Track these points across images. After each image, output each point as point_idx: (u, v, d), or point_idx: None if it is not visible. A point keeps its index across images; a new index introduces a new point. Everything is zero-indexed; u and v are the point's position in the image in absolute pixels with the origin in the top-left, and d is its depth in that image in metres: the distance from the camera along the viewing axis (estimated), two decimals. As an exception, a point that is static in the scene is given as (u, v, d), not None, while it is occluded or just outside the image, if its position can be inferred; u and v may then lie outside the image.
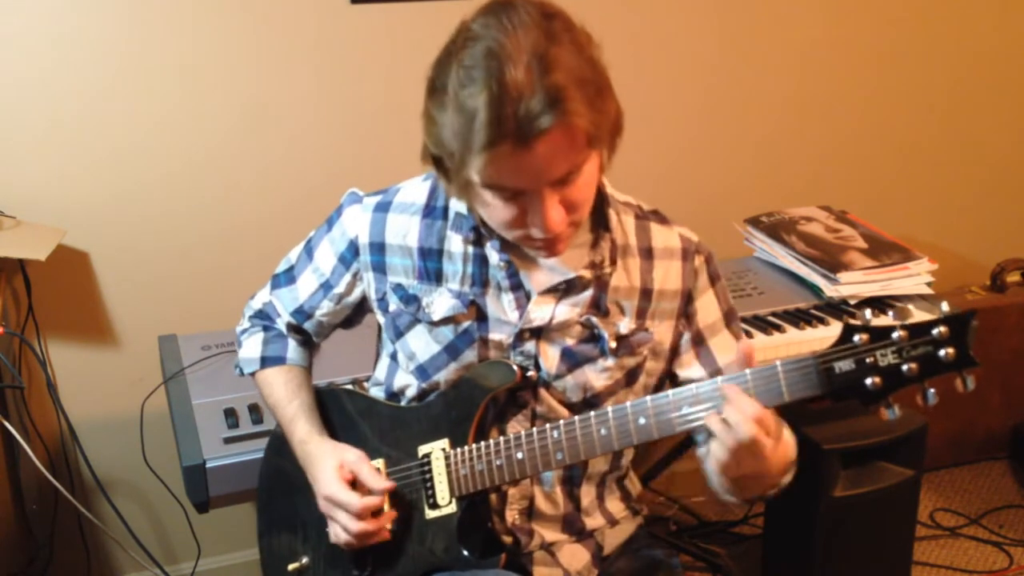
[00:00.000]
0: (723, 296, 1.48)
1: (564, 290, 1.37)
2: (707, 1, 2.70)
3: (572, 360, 1.39)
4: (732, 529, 2.80)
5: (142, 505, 2.50)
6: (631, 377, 1.42)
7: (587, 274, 1.37)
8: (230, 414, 1.87)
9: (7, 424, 1.99)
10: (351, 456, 1.42)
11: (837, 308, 2.30)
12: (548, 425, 1.32)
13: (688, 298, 1.44)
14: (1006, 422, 3.05)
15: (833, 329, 2.21)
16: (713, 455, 1.23)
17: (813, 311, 2.29)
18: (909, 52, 2.95)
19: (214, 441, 1.80)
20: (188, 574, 2.54)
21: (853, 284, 2.31)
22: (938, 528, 2.80)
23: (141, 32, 2.24)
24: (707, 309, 1.45)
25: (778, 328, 2.20)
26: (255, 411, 1.87)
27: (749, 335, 2.17)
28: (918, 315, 1.16)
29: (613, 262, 1.39)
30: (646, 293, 1.41)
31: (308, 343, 1.60)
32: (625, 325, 1.40)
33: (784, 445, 1.32)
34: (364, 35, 2.41)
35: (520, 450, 1.34)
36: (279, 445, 1.58)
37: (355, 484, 1.41)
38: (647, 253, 1.42)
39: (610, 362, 1.40)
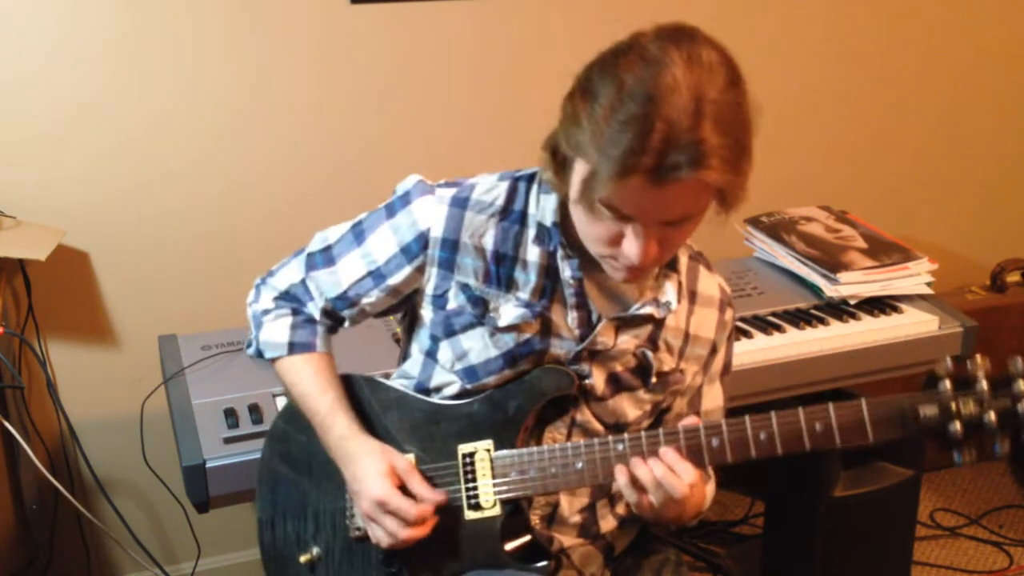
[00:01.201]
0: (730, 350, 1.53)
1: (630, 320, 1.39)
2: (707, 1, 2.70)
3: (617, 386, 1.40)
4: (732, 529, 2.80)
5: (142, 505, 2.50)
6: (655, 411, 1.46)
7: (657, 313, 1.38)
8: (230, 414, 1.87)
9: (7, 424, 1.99)
10: (402, 463, 1.38)
11: (837, 308, 2.30)
12: (611, 438, 1.32)
13: (713, 349, 1.47)
14: (1006, 422, 3.06)
15: (833, 329, 2.22)
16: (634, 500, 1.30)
17: (813, 311, 2.29)
18: (909, 52, 2.95)
19: (214, 441, 1.80)
20: (188, 574, 2.54)
21: (853, 284, 2.31)
22: (938, 528, 2.80)
23: (141, 32, 2.24)
24: (718, 360, 1.50)
25: (778, 328, 2.20)
26: (255, 411, 1.87)
27: (749, 335, 2.17)
28: (989, 365, 1.22)
29: (678, 302, 1.40)
30: (686, 336, 1.44)
31: (334, 329, 1.53)
32: (668, 363, 1.42)
33: (697, 494, 1.37)
34: (364, 35, 2.41)
35: (580, 459, 1.33)
36: (289, 432, 1.53)
37: (402, 490, 1.37)
38: (692, 296, 1.44)
39: (646, 395, 1.42)
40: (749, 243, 2.59)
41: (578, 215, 1.26)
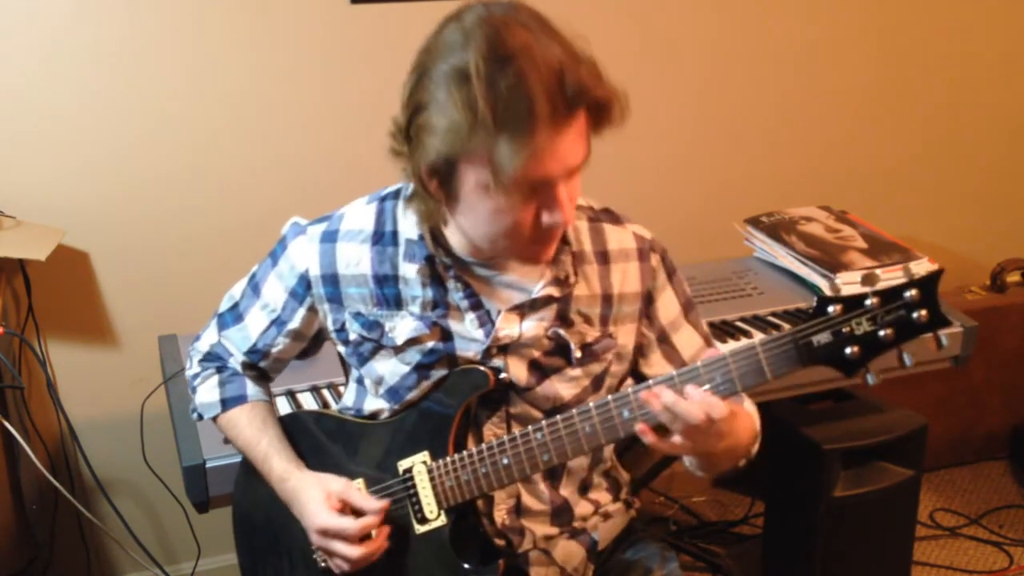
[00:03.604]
0: (680, 289, 1.48)
1: (529, 306, 1.37)
2: (708, 1, 2.70)
3: (540, 372, 1.39)
4: (732, 529, 2.80)
5: (142, 505, 2.50)
6: (597, 383, 1.43)
7: (554, 292, 1.37)
8: (230, 414, 1.86)
9: (7, 424, 1.99)
10: (337, 485, 1.40)
11: (837, 308, 2.29)
12: (531, 427, 1.32)
13: (648, 299, 1.44)
14: (1006, 422, 3.05)
15: (833, 329, 2.21)
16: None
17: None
18: (909, 52, 2.95)
19: (214, 441, 1.79)
20: (188, 574, 2.54)
21: (853, 284, 2.30)
22: (938, 528, 2.80)
23: (141, 32, 2.24)
24: (667, 306, 1.46)
25: (778, 328, 2.20)
26: (255, 411, 1.87)
27: (748, 335, 2.17)
28: (886, 279, 1.16)
29: (576, 274, 1.39)
30: (607, 299, 1.41)
31: (264, 377, 1.57)
32: (591, 334, 1.40)
33: (742, 418, 1.35)
34: (364, 35, 2.41)
35: (505, 455, 1.33)
36: (249, 479, 1.55)
37: (343, 512, 1.39)
38: (603, 257, 1.42)
39: (577, 371, 1.40)
40: (749, 243, 2.59)
41: (482, 217, 1.25)
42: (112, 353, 2.39)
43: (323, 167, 2.45)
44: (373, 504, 1.38)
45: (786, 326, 2.21)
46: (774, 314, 2.28)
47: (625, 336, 1.43)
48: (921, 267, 2.48)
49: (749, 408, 1.46)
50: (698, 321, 1.50)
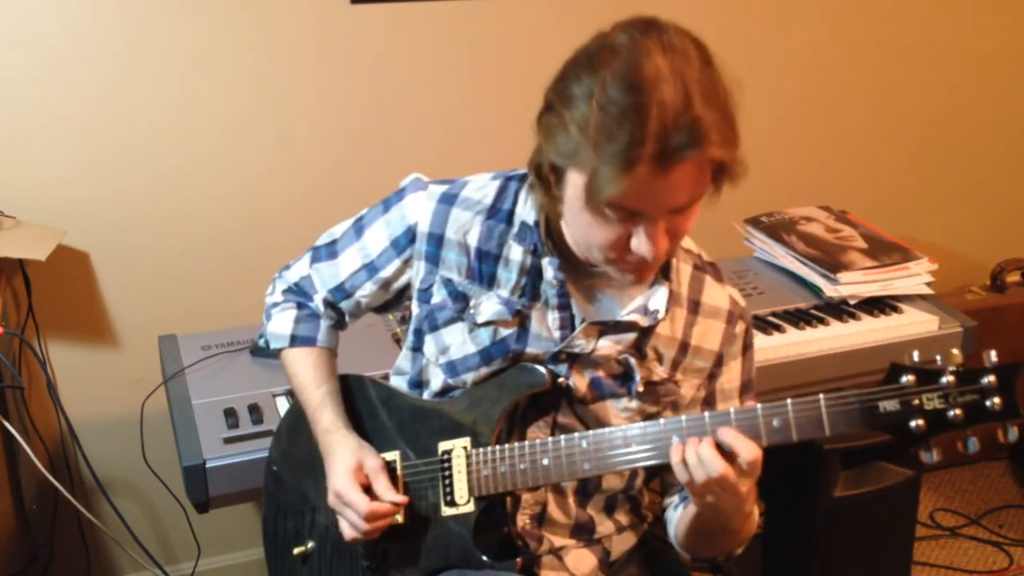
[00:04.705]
0: (748, 366, 1.48)
1: (612, 326, 1.37)
2: (707, 1, 2.70)
3: (599, 391, 1.39)
4: (732, 529, 2.80)
5: (142, 505, 2.50)
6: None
7: (640, 320, 1.36)
8: (230, 414, 1.87)
9: (7, 424, 1.99)
10: (371, 462, 1.41)
11: (837, 308, 2.30)
12: (577, 434, 1.32)
13: (719, 361, 1.44)
14: (1006, 422, 3.05)
15: (833, 329, 2.22)
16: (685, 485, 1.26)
17: (813, 311, 2.29)
18: (909, 51, 2.95)
19: (214, 441, 1.80)
20: (188, 574, 2.54)
21: (853, 284, 2.31)
22: (938, 528, 2.80)
23: (141, 32, 2.24)
24: (730, 376, 1.46)
25: (778, 328, 2.20)
26: (255, 411, 1.87)
27: (749, 335, 2.17)
28: (963, 359, 1.15)
29: (665, 311, 1.38)
30: (684, 346, 1.41)
31: (339, 324, 1.58)
32: (658, 373, 1.40)
33: (755, 498, 1.34)
34: (364, 35, 2.41)
35: (547, 456, 1.33)
36: (293, 430, 1.57)
37: (368, 489, 1.40)
38: (694, 306, 1.42)
39: (633, 404, 1.40)
40: (749, 243, 2.59)
41: (580, 224, 1.25)
42: (112, 353, 2.39)
43: (323, 167, 2.45)
44: (391, 496, 1.39)
45: (786, 326, 2.21)
46: (774, 314, 2.28)
47: (687, 388, 1.43)
48: (921, 267, 2.49)
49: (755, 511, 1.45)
50: (748, 403, 1.50)
